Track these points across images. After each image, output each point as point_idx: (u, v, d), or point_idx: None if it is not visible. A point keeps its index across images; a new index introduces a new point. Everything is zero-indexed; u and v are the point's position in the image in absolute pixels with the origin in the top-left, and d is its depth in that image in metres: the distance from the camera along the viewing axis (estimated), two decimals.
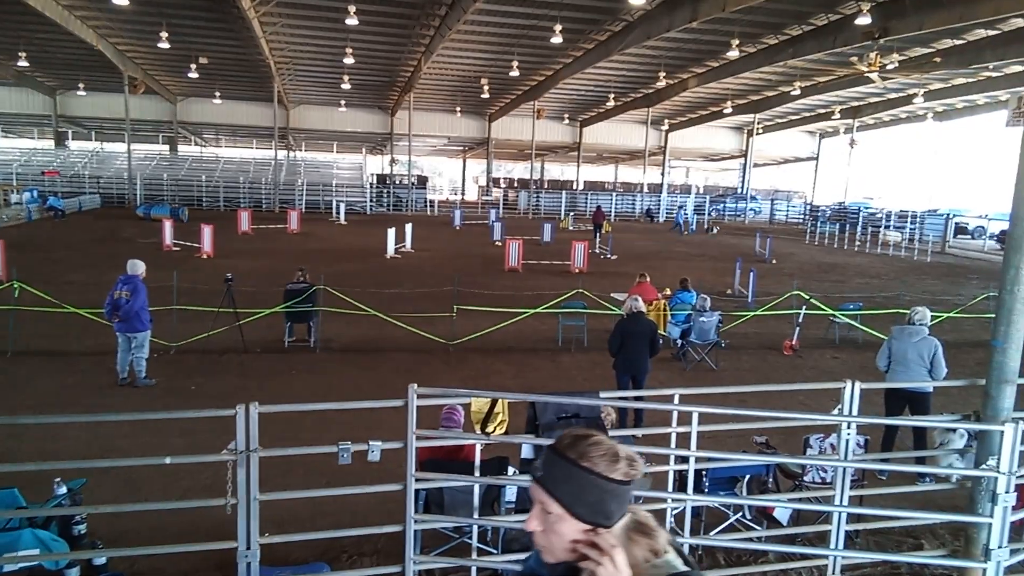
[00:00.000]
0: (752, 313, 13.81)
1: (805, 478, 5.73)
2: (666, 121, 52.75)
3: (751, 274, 16.70)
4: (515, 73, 34.39)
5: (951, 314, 13.75)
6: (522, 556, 2.49)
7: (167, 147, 52.66)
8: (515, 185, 59.21)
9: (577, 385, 9.87)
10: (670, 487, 5.06)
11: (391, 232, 23.91)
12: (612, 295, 14.09)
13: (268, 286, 13.33)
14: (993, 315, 4.53)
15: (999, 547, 4.36)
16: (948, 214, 38.12)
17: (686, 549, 4.71)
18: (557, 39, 26.44)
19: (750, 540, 5.29)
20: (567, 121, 53.20)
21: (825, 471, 5.59)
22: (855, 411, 4.66)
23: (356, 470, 4.44)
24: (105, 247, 22.63)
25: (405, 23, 28.91)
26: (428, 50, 31.70)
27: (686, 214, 43.55)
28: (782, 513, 5.56)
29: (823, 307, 13.51)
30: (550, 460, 1.47)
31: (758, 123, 49.83)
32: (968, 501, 4.59)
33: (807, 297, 13.28)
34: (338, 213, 38.25)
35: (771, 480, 5.79)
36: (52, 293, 11.82)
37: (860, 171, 57.15)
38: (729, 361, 11.56)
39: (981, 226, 39.00)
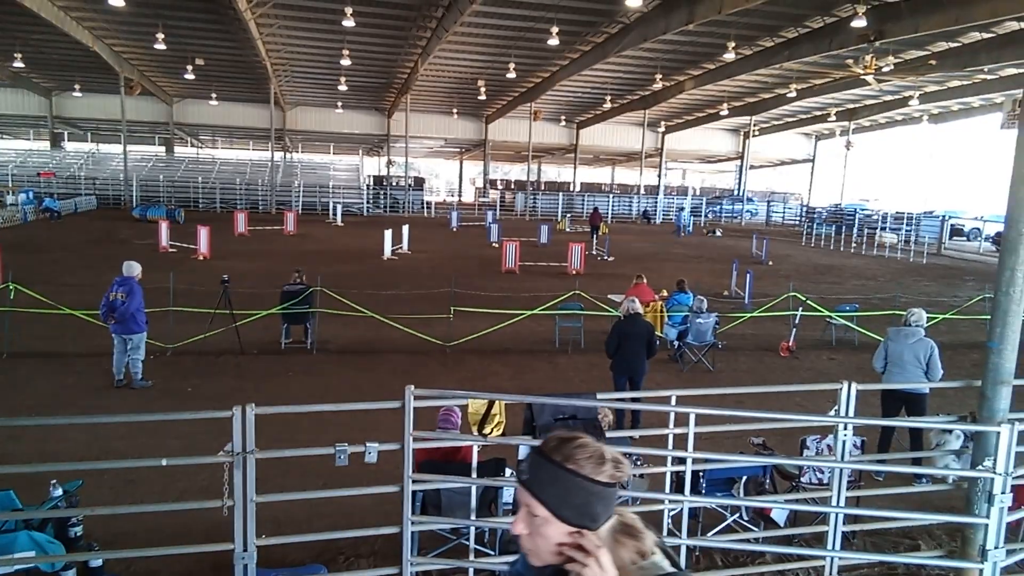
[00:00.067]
0: (749, 315, 13.82)
1: (802, 479, 5.74)
2: (663, 123, 52.85)
3: (748, 276, 16.73)
4: (512, 75, 34.44)
5: (947, 316, 13.79)
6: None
7: (163, 148, 52.62)
8: (512, 187, 59.29)
9: (574, 386, 9.87)
10: (667, 488, 5.06)
11: (388, 233, 23.90)
12: (609, 296, 14.10)
13: (265, 287, 13.31)
14: (989, 316, 4.54)
15: (995, 548, 4.37)
16: (944, 216, 38.27)
17: (683, 550, 4.72)
18: (554, 41, 26.48)
19: (747, 541, 5.30)
20: (564, 123, 53.28)
21: (822, 472, 5.60)
22: (852, 412, 4.67)
23: (353, 472, 4.43)
24: (101, 248, 22.58)
25: (402, 25, 28.92)
26: (425, 52, 31.71)
27: (687, 215, 43.54)
28: (779, 514, 5.57)
29: (819, 309, 13.54)
30: (536, 463, 1.46)
31: (754, 125, 49.95)
32: (964, 502, 4.60)
33: (803, 299, 13.31)
34: (335, 215, 38.22)
35: (768, 481, 5.79)
36: (48, 295, 11.78)
37: (856, 173, 57.30)
38: (726, 362, 11.58)
39: (977, 228, 39.16)
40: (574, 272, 20.67)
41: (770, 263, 25.34)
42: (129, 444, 7.07)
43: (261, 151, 55.35)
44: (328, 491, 5.07)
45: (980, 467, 4.43)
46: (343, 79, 38.63)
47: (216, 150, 61.17)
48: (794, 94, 37.88)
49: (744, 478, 5.71)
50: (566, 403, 4.91)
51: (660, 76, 34.96)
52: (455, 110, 49.37)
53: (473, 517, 4.58)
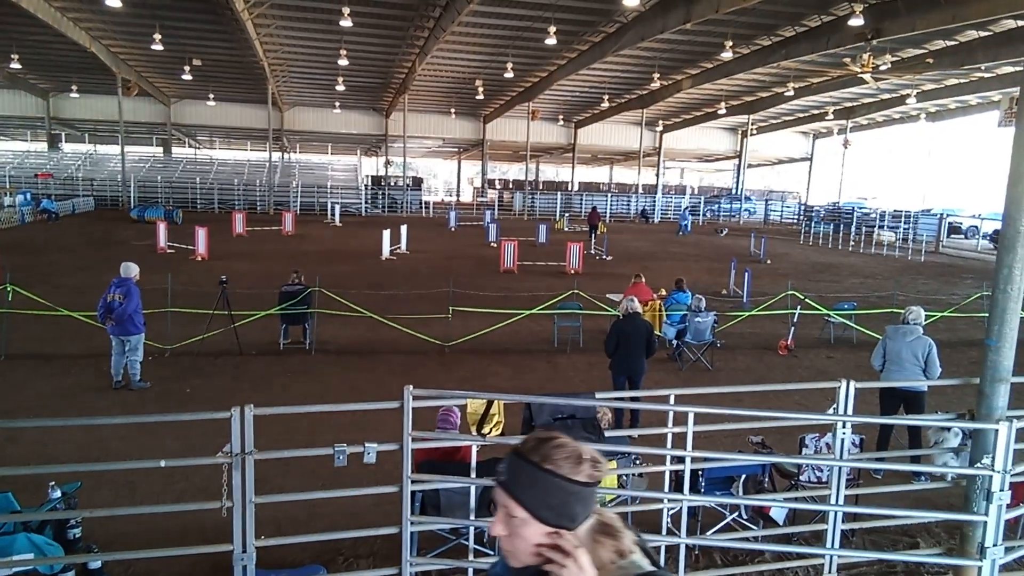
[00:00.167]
0: (747, 313, 13.84)
1: (801, 477, 5.74)
2: (660, 122, 52.85)
3: (746, 274, 16.73)
4: (509, 75, 34.42)
5: (945, 313, 13.80)
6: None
7: (161, 149, 52.52)
8: (510, 186, 59.26)
9: (573, 386, 9.87)
10: (666, 487, 5.06)
11: (386, 234, 23.89)
12: (608, 296, 14.10)
13: (263, 288, 13.30)
14: (987, 314, 4.55)
15: (994, 545, 4.38)
16: (942, 214, 38.32)
17: (682, 549, 4.73)
18: (551, 40, 26.46)
19: (746, 540, 5.31)
20: (562, 122, 53.27)
21: (821, 470, 5.60)
22: (850, 410, 4.67)
23: (352, 472, 4.44)
24: (99, 250, 22.56)
25: (399, 25, 28.90)
26: (422, 52, 31.70)
27: (690, 215, 43.41)
28: (778, 513, 5.57)
29: (818, 307, 13.55)
30: (513, 464, 1.46)
31: (752, 124, 49.97)
32: (963, 499, 4.60)
33: (802, 297, 13.31)
34: (333, 215, 38.21)
35: (767, 480, 5.80)
36: (46, 296, 11.78)
37: (854, 171, 57.41)
38: (724, 361, 11.58)
39: (974, 226, 39.20)
40: (573, 271, 20.66)
41: (768, 262, 25.36)
42: (128, 445, 7.07)
43: (259, 151, 55.34)
44: (327, 491, 5.08)
45: (978, 465, 4.43)
46: (341, 79, 38.61)
47: (214, 151, 61.13)
48: (792, 93, 37.89)
49: (743, 477, 5.71)
50: (565, 403, 4.91)
51: (658, 75, 34.96)
52: (453, 110, 49.35)
53: (472, 517, 4.58)
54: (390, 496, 4.36)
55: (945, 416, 5.07)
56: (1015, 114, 4.35)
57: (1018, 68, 29.81)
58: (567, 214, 44.78)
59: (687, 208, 46.62)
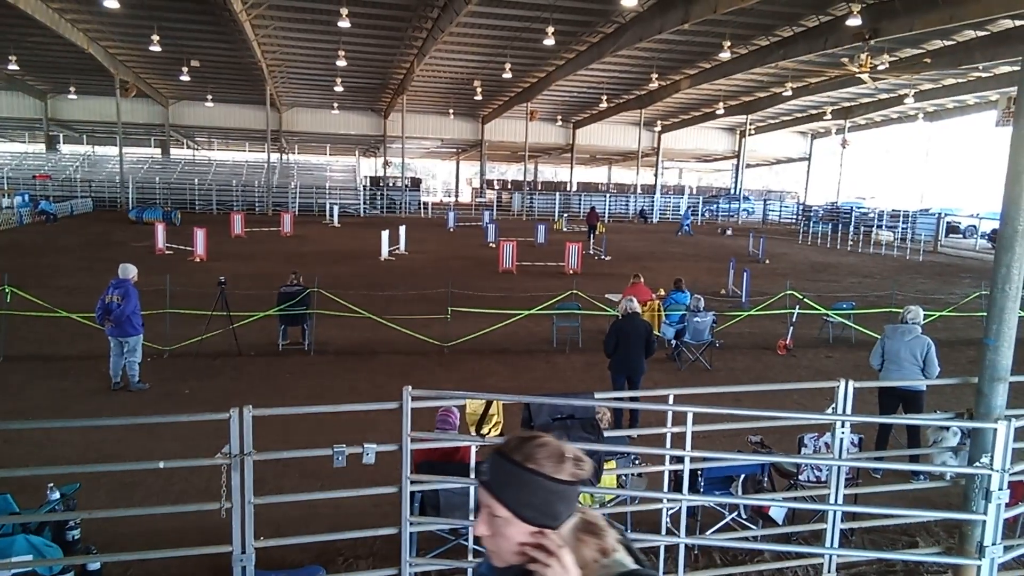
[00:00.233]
0: (746, 313, 13.85)
1: (800, 477, 5.75)
2: (659, 122, 52.87)
3: (745, 274, 16.74)
4: (508, 75, 34.41)
5: (943, 313, 13.82)
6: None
7: (159, 150, 52.48)
8: (509, 187, 59.24)
9: (572, 386, 9.87)
10: (665, 487, 5.06)
11: (385, 234, 23.88)
12: (607, 296, 14.10)
13: (262, 289, 13.29)
14: (985, 313, 4.55)
15: (993, 544, 4.38)
16: (940, 213, 38.36)
17: (682, 549, 4.73)
18: (549, 41, 26.46)
19: (746, 539, 5.31)
20: (560, 123, 53.29)
21: (820, 470, 5.61)
22: (849, 410, 4.68)
23: (351, 473, 4.43)
24: (97, 251, 22.53)
25: (397, 25, 28.90)
26: (421, 52, 31.71)
27: (692, 215, 43.32)
28: (777, 512, 5.58)
29: (816, 307, 13.56)
30: (496, 463, 1.46)
31: (750, 124, 50.00)
32: (962, 498, 4.60)
33: (800, 297, 13.33)
34: (331, 216, 38.19)
35: (766, 479, 5.80)
36: (44, 297, 11.76)
37: (852, 171, 57.43)
38: (723, 361, 11.59)
39: (972, 225, 39.22)
40: (571, 272, 20.67)
41: (767, 261, 25.38)
42: (126, 447, 7.07)
43: (257, 152, 55.29)
44: (326, 492, 5.08)
45: (977, 464, 4.44)
46: (339, 80, 38.59)
47: (212, 152, 61.04)
48: (790, 93, 37.92)
49: (742, 476, 5.72)
50: (564, 403, 4.91)
51: (656, 75, 34.97)
52: (451, 110, 49.35)
53: (472, 518, 4.58)
54: (389, 497, 4.36)
55: (944, 415, 5.08)
56: (1013, 114, 4.35)
57: (1016, 68, 29.84)
58: (566, 214, 44.78)
59: (689, 208, 46.54)
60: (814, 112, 47.43)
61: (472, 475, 4.54)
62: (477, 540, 4.84)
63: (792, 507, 5.53)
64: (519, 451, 1.44)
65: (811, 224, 38.78)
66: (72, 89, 43.38)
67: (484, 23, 27.61)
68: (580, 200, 51.42)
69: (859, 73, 27.89)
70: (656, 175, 55.35)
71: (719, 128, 55.05)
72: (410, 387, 4.15)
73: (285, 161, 52.15)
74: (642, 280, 12.38)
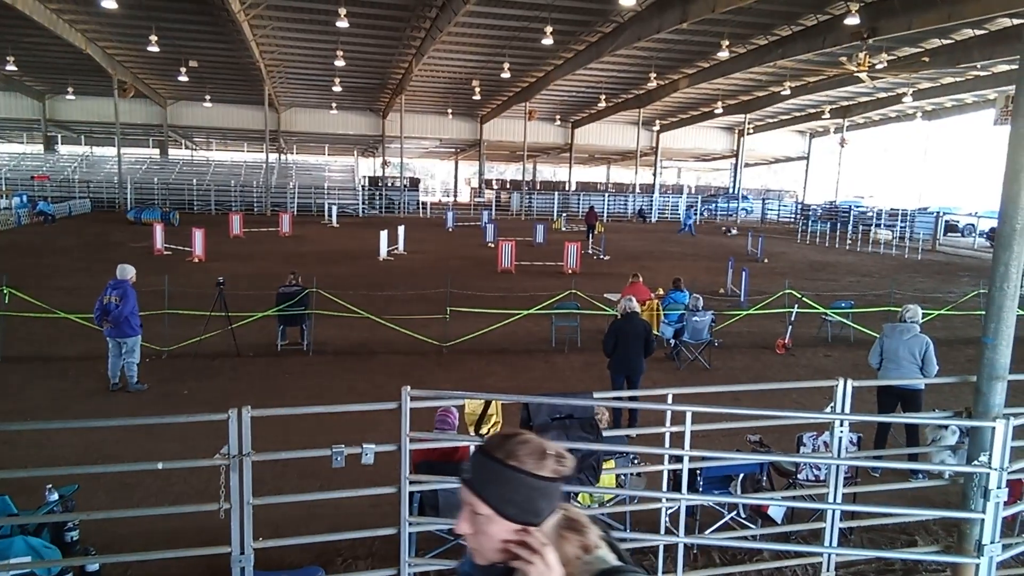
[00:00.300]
0: (745, 312, 13.85)
1: (799, 476, 5.75)
2: (657, 122, 52.87)
3: (743, 273, 16.75)
4: (506, 75, 34.41)
5: (942, 311, 13.83)
6: None
7: (157, 151, 52.40)
8: (507, 187, 59.23)
9: (571, 386, 9.88)
10: (664, 487, 5.06)
11: (383, 234, 23.87)
12: (605, 295, 14.11)
13: (260, 289, 13.28)
14: (983, 312, 4.55)
15: (991, 542, 4.38)
16: (938, 212, 38.36)
17: (681, 548, 4.73)
18: (548, 41, 26.46)
19: (745, 539, 5.31)
20: (559, 122, 53.28)
21: (818, 469, 5.61)
22: (848, 409, 4.68)
23: (350, 473, 4.43)
24: (95, 252, 22.51)
25: (396, 25, 28.89)
26: (419, 52, 31.69)
27: (696, 215, 43.20)
28: (776, 511, 5.58)
29: (815, 306, 13.57)
30: (478, 461, 1.46)
31: (749, 123, 50.02)
32: (960, 497, 4.61)
33: (799, 296, 13.33)
34: (330, 216, 38.18)
35: (765, 478, 5.80)
36: (42, 298, 11.75)
37: (850, 170, 57.48)
38: (722, 360, 11.60)
39: (971, 224, 39.25)
40: (570, 271, 20.67)
41: (766, 260, 25.40)
42: (125, 448, 7.06)
43: (256, 153, 55.24)
44: (325, 493, 5.07)
45: (975, 462, 4.44)
46: (337, 80, 38.57)
47: (211, 152, 61.00)
48: (788, 92, 37.93)
49: (741, 476, 5.72)
50: (563, 403, 4.91)
51: (654, 75, 34.97)
52: (450, 110, 49.33)
53: None
54: (388, 497, 4.36)
55: (942, 414, 5.08)
56: (1011, 112, 4.35)
57: (1014, 66, 29.85)
58: (564, 214, 44.78)
59: (692, 208, 46.40)
60: (812, 111, 47.45)
61: None
62: None
63: (791, 506, 5.53)
64: (501, 449, 1.45)
65: (809, 223, 38.79)
66: (70, 90, 43.32)
67: (482, 23, 27.61)
68: (579, 200, 51.41)
69: (857, 72, 27.92)
70: (655, 174, 55.35)
71: (718, 127, 55.06)
72: (409, 387, 4.15)
73: (283, 161, 52.10)
74: (641, 280, 12.38)
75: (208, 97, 45.30)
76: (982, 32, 25.49)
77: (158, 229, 24.13)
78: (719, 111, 44.42)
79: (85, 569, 4.70)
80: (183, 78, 37.24)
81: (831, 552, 4.74)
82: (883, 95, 41.34)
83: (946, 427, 5.85)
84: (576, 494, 5.33)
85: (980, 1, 19.97)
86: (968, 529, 4.50)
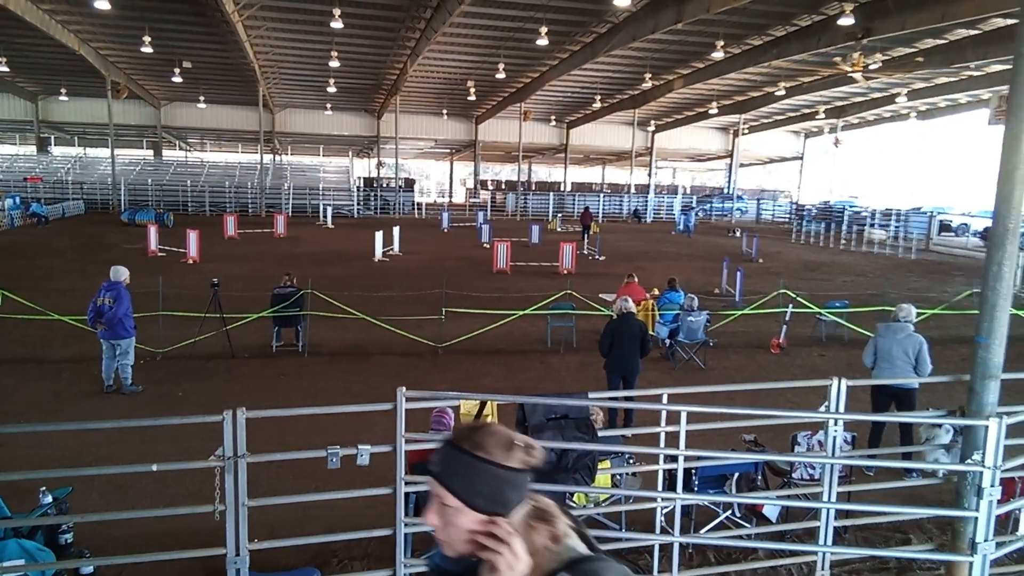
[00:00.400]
0: (740, 312, 13.88)
1: (793, 475, 5.76)
2: (652, 122, 52.94)
3: (738, 273, 16.79)
4: (501, 75, 34.40)
5: (936, 311, 13.88)
6: None
7: (151, 152, 52.27)
8: (502, 187, 59.27)
9: (566, 386, 9.89)
10: (660, 486, 5.07)
11: (379, 235, 23.85)
12: (600, 296, 14.13)
13: (255, 291, 13.26)
14: (977, 311, 4.57)
15: (985, 540, 4.41)
16: (932, 212, 38.52)
17: (676, 547, 4.74)
18: (543, 41, 26.46)
19: (740, 538, 5.32)
20: (554, 123, 53.29)
21: (813, 468, 5.63)
22: (842, 408, 4.69)
23: (346, 474, 4.42)
24: (89, 253, 22.43)
25: (390, 26, 28.85)
26: (414, 53, 31.66)
27: (698, 214, 43.19)
28: (771, 510, 5.59)
29: (810, 305, 13.60)
30: (446, 453, 1.46)
31: (743, 123, 50.13)
32: (954, 495, 4.63)
33: (794, 295, 13.37)
34: (325, 217, 38.11)
35: (760, 478, 5.81)
36: (36, 300, 11.70)
37: (845, 170, 57.67)
38: (717, 360, 11.62)
39: (965, 223, 39.43)
40: (565, 272, 20.69)
41: (760, 260, 25.45)
42: (119, 450, 7.04)
43: (250, 154, 55.09)
44: (320, 494, 5.06)
45: (969, 461, 4.46)
46: (332, 81, 38.49)
47: (205, 153, 60.86)
48: (783, 92, 38.02)
49: (736, 475, 5.73)
50: (558, 403, 4.92)
51: (649, 75, 35.02)
52: (445, 111, 49.30)
53: None
54: (384, 498, 4.36)
55: (936, 413, 5.10)
56: (1004, 112, 4.37)
57: (1007, 66, 29.96)
58: (560, 214, 44.82)
59: (694, 209, 46.33)
60: (807, 111, 47.57)
61: None
62: None
63: (786, 505, 5.54)
64: (468, 440, 1.45)
65: (804, 223, 38.91)
66: (63, 91, 43.13)
67: (477, 23, 27.60)
68: (574, 200, 51.47)
69: (852, 72, 27.98)
70: (650, 175, 55.43)
71: (713, 127, 55.14)
72: (404, 388, 4.15)
73: (278, 162, 52.01)
74: (636, 280, 12.39)
75: (202, 98, 45.17)
76: (976, 32, 25.59)
77: (152, 230, 24.05)
78: (714, 111, 44.49)
79: (79, 572, 4.68)
80: (177, 79, 37.11)
81: (826, 551, 4.75)
82: (877, 95, 41.46)
83: (940, 426, 5.87)
84: (572, 494, 5.34)
85: (974, 1, 20.04)
86: (962, 527, 4.52)
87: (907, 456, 6.44)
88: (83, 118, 46.64)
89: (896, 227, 36.05)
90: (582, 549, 1.46)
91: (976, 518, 4.40)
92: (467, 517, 1.42)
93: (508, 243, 22.23)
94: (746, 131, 52.40)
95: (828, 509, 4.72)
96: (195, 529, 4.76)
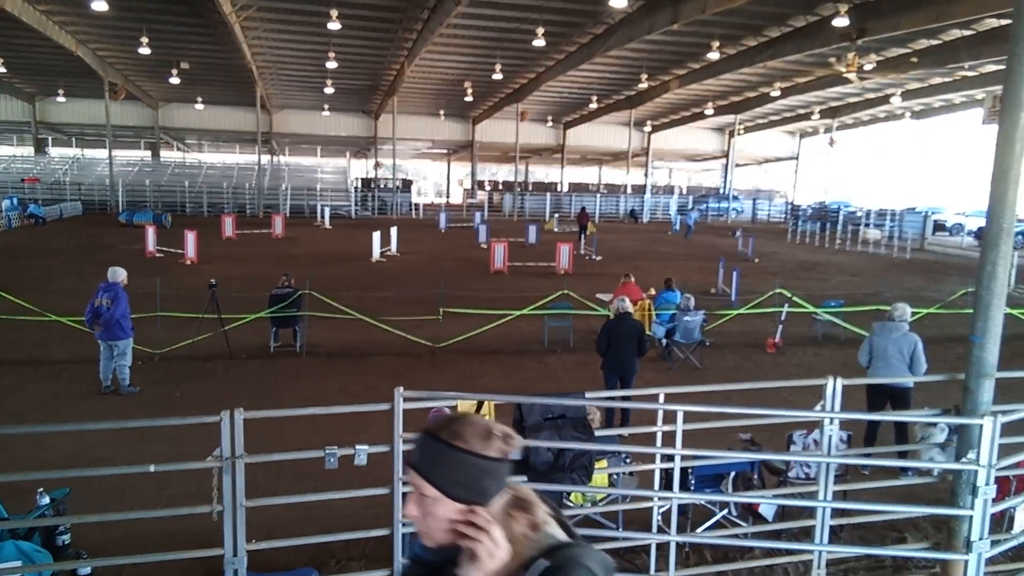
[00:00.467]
0: (736, 312, 13.90)
1: (789, 474, 5.78)
2: (649, 123, 53.01)
3: (734, 273, 16.82)
4: (498, 76, 34.44)
5: (931, 310, 13.92)
6: None
7: (149, 153, 52.20)
8: (500, 188, 59.28)
9: (563, 386, 9.90)
10: (656, 485, 5.09)
11: (376, 236, 23.85)
12: (597, 296, 14.15)
13: (253, 291, 13.25)
14: (971, 310, 4.60)
15: (980, 539, 4.43)
16: (927, 212, 38.63)
17: (673, 546, 4.75)
18: (540, 42, 26.50)
19: (736, 536, 5.34)
20: (551, 123, 53.34)
21: (809, 467, 5.65)
22: (838, 407, 4.71)
23: (344, 474, 4.43)
24: (87, 254, 22.40)
25: (387, 27, 28.85)
26: (411, 54, 31.66)
27: (699, 213, 43.15)
28: (767, 509, 5.61)
29: (805, 305, 13.63)
30: (424, 443, 1.47)
31: (739, 124, 50.22)
32: (949, 494, 4.65)
33: (789, 295, 13.39)
34: (323, 217, 38.09)
35: (756, 477, 5.83)
36: (34, 301, 11.69)
37: (840, 170, 57.80)
38: (713, 360, 11.64)
39: (959, 223, 39.55)
40: (562, 272, 20.70)
41: (756, 260, 25.50)
42: (117, 451, 7.03)
43: (248, 154, 55.03)
44: (318, 494, 5.06)
45: (964, 459, 4.48)
46: (329, 82, 38.50)
47: (202, 154, 60.77)
48: (778, 93, 38.09)
49: (732, 474, 5.75)
50: (555, 403, 4.93)
51: (645, 76, 35.07)
52: (442, 112, 49.31)
53: None
54: (381, 498, 4.37)
55: (931, 412, 5.12)
56: (998, 112, 4.40)
57: (1001, 67, 30.01)
58: (557, 215, 44.85)
59: (694, 209, 46.27)
60: (802, 112, 47.67)
61: None
62: None
63: (782, 504, 5.56)
64: (446, 430, 1.46)
65: (800, 223, 38.98)
66: (61, 92, 43.07)
67: (474, 24, 27.61)
68: (571, 200, 51.51)
69: (846, 73, 28.06)
70: (646, 175, 55.52)
71: (708, 128, 55.23)
72: (402, 388, 4.16)
73: (276, 163, 51.96)
74: (632, 280, 12.41)
75: (200, 99, 45.13)
76: (969, 33, 25.67)
77: (150, 231, 24.03)
78: (710, 112, 44.56)
79: (77, 573, 4.68)
80: (174, 80, 37.09)
81: (822, 549, 4.77)
82: (872, 96, 41.57)
83: (935, 424, 5.90)
84: (569, 493, 5.36)
85: (968, 2, 20.11)
86: (957, 526, 4.54)
87: (903, 455, 6.46)
88: (81, 119, 46.58)
89: (891, 227, 36.14)
90: (561, 536, 1.47)
91: (971, 516, 4.42)
92: (446, 507, 1.43)
93: (505, 243, 22.25)
94: (742, 131, 52.49)
95: (824, 508, 4.74)
96: (193, 530, 4.76)
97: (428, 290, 13.79)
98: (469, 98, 42.35)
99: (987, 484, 4.39)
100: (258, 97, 40.40)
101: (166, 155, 53.77)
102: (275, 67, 36.91)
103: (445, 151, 62.87)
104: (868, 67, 28.34)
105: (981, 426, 4.38)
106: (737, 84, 39.15)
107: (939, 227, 39.65)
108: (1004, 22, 23.46)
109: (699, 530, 5.42)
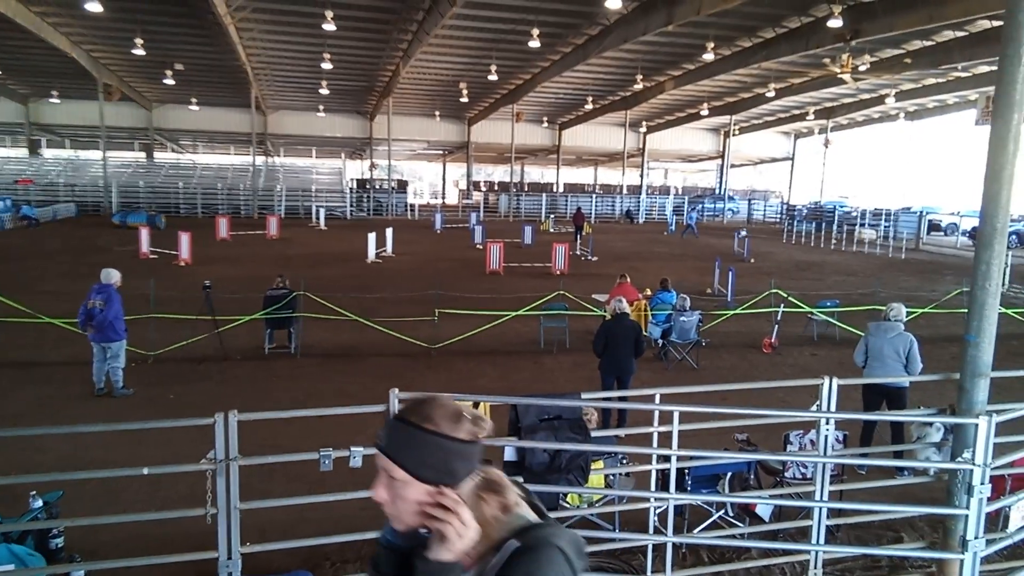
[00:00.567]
0: (732, 312, 13.92)
1: (786, 474, 5.78)
2: (644, 123, 53.07)
3: (730, 273, 16.84)
4: (493, 77, 34.43)
5: (926, 310, 13.97)
6: None
7: (143, 154, 51.99)
8: (495, 188, 59.24)
9: (559, 386, 9.89)
10: (653, 486, 5.08)
11: (372, 237, 23.81)
12: (593, 296, 14.14)
13: (247, 293, 13.21)
14: (966, 310, 4.61)
15: (975, 538, 4.43)
16: (921, 212, 38.74)
17: (669, 547, 4.74)
18: (535, 43, 26.51)
19: (733, 537, 5.34)
20: (546, 124, 53.37)
21: (805, 467, 5.65)
22: (833, 407, 4.71)
23: (338, 476, 4.41)
24: (80, 256, 22.30)
25: (383, 28, 28.82)
26: (406, 55, 31.64)
27: (699, 214, 43.11)
28: (764, 509, 5.62)
29: (801, 305, 13.66)
30: (393, 427, 1.46)
31: (734, 124, 50.32)
32: (945, 493, 4.66)
33: (785, 295, 13.42)
34: (318, 218, 38.03)
35: (752, 477, 5.83)
36: (26, 303, 11.63)
37: (835, 171, 57.96)
38: (709, 360, 11.65)
39: (954, 223, 39.67)
40: (558, 272, 20.70)
41: (752, 260, 25.54)
42: (110, 453, 6.99)
43: (243, 155, 54.93)
44: (313, 496, 5.04)
45: (959, 459, 4.49)
46: (324, 83, 38.44)
47: (197, 155, 60.57)
48: (773, 94, 38.19)
49: (729, 474, 5.75)
50: (551, 403, 4.92)
51: (641, 77, 35.11)
52: (437, 112, 49.28)
53: None
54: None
55: (927, 411, 5.13)
56: (991, 113, 4.41)
57: (994, 68, 30.14)
58: (552, 215, 44.85)
59: (695, 209, 46.21)
60: (797, 112, 47.80)
61: None
62: None
63: (778, 504, 5.57)
64: (415, 413, 1.45)
65: (795, 223, 39.07)
66: (55, 93, 42.91)
67: (469, 25, 27.60)
68: (567, 201, 51.49)
69: (841, 74, 28.16)
70: (642, 175, 55.56)
71: (703, 129, 55.33)
72: (397, 389, 4.15)
73: (271, 164, 51.84)
74: (628, 280, 12.42)
75: (194, 100, 45.01)
76: (963, 34, 25.78)
77: (144, 233, 23.93)
78: (705, 112, 44.65)
79: None
80: (169, 81, 36.99)
81: (818, 549, 4.77)
82: (866, 96, 41.72)
83: (930, 424, 5.90)
84: (565, 495, 5.34)
85: (961, 3, 20.20)
86: (953, 525, 4.55)
87: (898, 454, 6.47)
88: (75, 120, 46.39)
89: (886, 227, 36.25)
90: (532, 518, 1.47)
91: (967, 516, 4.43)
92: (415, 489, 1.42)
93: (501, 244, 22.23)
94: (737, 132, 52.61)
95: (820, 508, 4.74)
96: (187, 532, 4.73)
97: (424, 291, 13.76)
98: (464, 99, 42.34)
99: (982, 483, 4.40)
100: (253, 98, 40.32)
101: (160, 156, 53.59)
102: (270, 68, 36.84)
103: (441, 152, 62.86)
104: (862, 68, 28.45)
105: (976, 425, 4.39)
106: (732, 85, 39.23)
107: (934, 227, 39.79)
108: (996, 23, 23.55)
109: (696, 531, 5.42)
